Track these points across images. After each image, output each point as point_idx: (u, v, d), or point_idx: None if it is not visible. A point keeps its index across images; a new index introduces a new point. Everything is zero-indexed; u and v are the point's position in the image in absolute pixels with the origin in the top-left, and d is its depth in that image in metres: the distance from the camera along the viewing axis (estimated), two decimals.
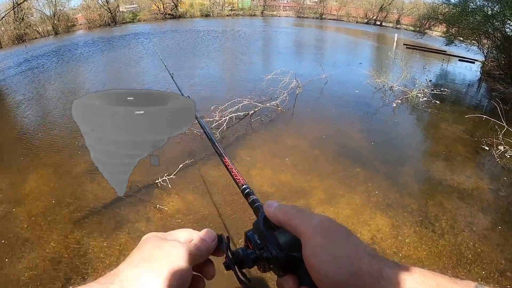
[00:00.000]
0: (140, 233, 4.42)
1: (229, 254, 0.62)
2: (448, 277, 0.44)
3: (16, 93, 11.50)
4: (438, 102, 9.65)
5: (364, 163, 6.22)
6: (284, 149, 6.60)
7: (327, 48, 20.74)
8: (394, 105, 9.39)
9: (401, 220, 4.67)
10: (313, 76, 10.72)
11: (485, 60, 15.75)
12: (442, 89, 10.87)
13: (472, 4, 14.54)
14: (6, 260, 4.11)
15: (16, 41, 25.71)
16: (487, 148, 6.91)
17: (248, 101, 8.17)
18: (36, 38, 27.95)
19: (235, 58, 15.42)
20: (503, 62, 14.04)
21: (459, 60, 17.24)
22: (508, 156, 6.56)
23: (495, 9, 13.42)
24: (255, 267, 0.62)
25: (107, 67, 14.80)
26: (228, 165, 0.87)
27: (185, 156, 6.08)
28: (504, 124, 7.04)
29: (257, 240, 0.60)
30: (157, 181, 5.40)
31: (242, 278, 0.60)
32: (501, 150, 6.67)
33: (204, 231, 0.63)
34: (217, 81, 11.66)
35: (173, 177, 5.45)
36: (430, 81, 11.71)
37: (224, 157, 0.89)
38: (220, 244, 0.64)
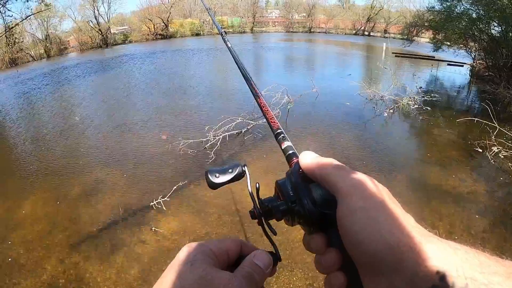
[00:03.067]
0: (136, 255, 4.42)
1: (257, 203, 0.57)
2: (492, 256, 0.39)
3: (9, 118, 11.55)
4: (429, 109, 9.70)
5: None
6: (277, 164, 6.59)
7: (316, 61, 20.93)
8: (386, 114, 9.45)
9: None
10: (303, 90, 10.76)
11: (474, 63, 15.93)
12: (433, 95, 10.94)
13: (456, 10, 14.74)
14: (3, 286, 4.08)
15: (8, 65, 25.86)
16: (480, 150, 6.92)
17: (241, 119, 8.20)
18: (29, 61, 28.20)
19: (227, 76, 15.51)
20: (490, 63, 14.19)
21: (448, 64, 17.44)
22: (502, 157, 6.57)
23: (480, 12, 13.61)
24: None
25: (96, 92, 14.84)
26: (263, 107, 0.79)
27: (179, 177, 6.09)
28: (496, 125, 7.06)
29: (290, 192, 0.54)
30: (151, 203, 5.39)
31: (269, 230, 0.56)
32: (494, 151, 6.68)
33: (254, 252, 0.53)
34: (211, 100, 11.70)
35: (168, 199, 5.44)
36: (421, 88, 11.79)
37: (259, 98, 0.82)
38: (275, 265, 0.55)
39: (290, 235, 4.44)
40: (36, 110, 12.45)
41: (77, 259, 4.45)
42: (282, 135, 0.70)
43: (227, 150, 7.40)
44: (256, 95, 0.83)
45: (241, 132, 8.09)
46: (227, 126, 7.91)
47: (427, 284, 0.37)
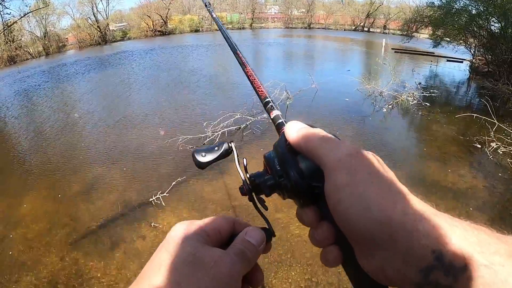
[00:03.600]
0: (136, 251, 4.43)
1: (246, 178, 0.55)
2: (492, 232, 0.36)
3: (9, 115, 11.58)
4: (428, 104, 9.69)
5: None
6: None
7: (316, 57, 20.89)
8: (385, 110, 9.44)
9: None
10: (303, 86, 10.77)
11: (473, 59, 15.91)
12: (432, 90, 10.96)
13: (456, 5, 14.73)
14: (4, 283, 4.09)
15: (7, 63, 25.87)
16: (479, 146, 6.93)
17: (239, 115, 8.20)
18: (27, 59, 28.21)
19: (227, 72, 15.49)
20: (490, 59, 14.18)
21: (447, 60, 17.41)
22: (501, 153, 6.58)
23: (479, 8, 13.59)
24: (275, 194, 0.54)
25: (96, 88, 14.82)
26: (251, 75, 0.76)
27: (178, 173, 6.10)
28: (495, 121, 7.07)
29: (277, 165, 0.52)
30: (151, 199, 5.40)
31: (259, 205, 0.55)
32: (493, 147, 6.69)
33: (246, 229, 0.51)
34: (210, 96, 11.71)
35: (167, 194, 5.46)
36: (420, 83, 11.79)
37: (246, 67, 0.79)
38: (269, 241, 0.53)
39: (289, 230, 4.45)
40: (35, 107, 12.48)
41: (77, 256, 4.46)
42: (271, 104, 0.68)
43: None
44: (242, 64, 0.81)
45: (240, 128, 8.09)
46: (226, 122, 7.92)
47: (421, 263, 0.35)
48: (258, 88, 0.73)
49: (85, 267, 4.26)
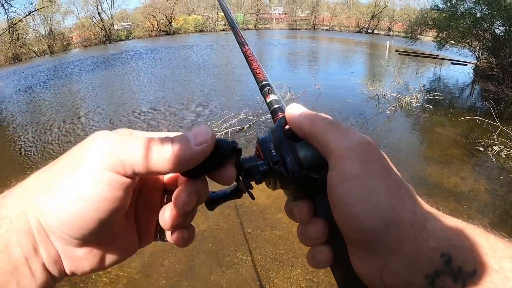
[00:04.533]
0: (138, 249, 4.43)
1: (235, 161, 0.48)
2: (501, 238, 0.34)
3: (13, 114, 11.66)
4: (431, 107, 9.68)
5: None
6: None
7: (320, 58, 20.89)
8: (388, 112, 9.43)
9: None
10: (306, 87, 10.77)
11: (477, 62, 15.87)
12: (436, 93, 10.94)
13: (460, 8, 14.71)
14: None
15: (12, 61, 26.02)
16: (482, 149, 6.93)
17: (243, 115, 8.22)
18: (32, 57, 28.35)
19: (231, 72, 15.51)
20: (494, 62, 14.15)
21: (452, 63, 17.39)
22: (504, 156, 6.57)
23: (483, 11, 13.56)
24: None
25: (100, 87, 14.87)
26: (249, 56, 0.69)
27: None
28: (498, 124, 7.06)
29: (272, 150, 0.47)
30: None
31: (246, 192, 0.49)
32: (496, 150, 6.68)
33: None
34: (214, 96, 11.73)
35: None
36: (423, 86, 11.74)
37: (244, 46, 0.72)
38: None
39: (290, 230, 4.45)
40: (40, 105, 12.53)
41: None
42: (268, 87, 0.61)
43: None
44: (241, 43, 0.74)
45: (243, 128, 8.10)
46: (230, 122, 7.93)
47: (429, 268, 0.33)
48: (256, 69, 0.66)
49: None
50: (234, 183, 0.48)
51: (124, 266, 4.18)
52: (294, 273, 3.92)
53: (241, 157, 0.49)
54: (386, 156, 0.40)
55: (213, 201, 0.51)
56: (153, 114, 9.98)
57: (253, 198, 0.50)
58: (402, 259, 0.34)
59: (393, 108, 9.67)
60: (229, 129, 7.77)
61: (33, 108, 12.26)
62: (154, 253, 4.37)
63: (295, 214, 0.46)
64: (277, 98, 0.58)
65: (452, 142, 7.45)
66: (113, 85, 15.13)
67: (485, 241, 0.32)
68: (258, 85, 0.63)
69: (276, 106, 0.56)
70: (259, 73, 0.64)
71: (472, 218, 4.72)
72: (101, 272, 4.12)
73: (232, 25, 0.79)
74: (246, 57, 0.70)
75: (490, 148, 6.77)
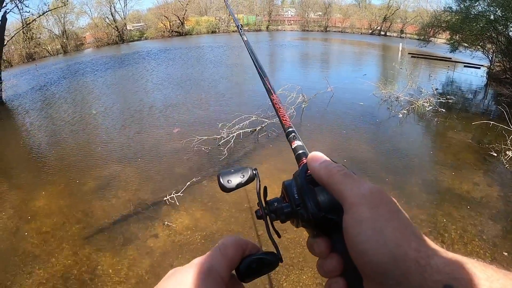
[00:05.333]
0: (148, 249, 4.49)
1: (263, 202, 0.57)
2: (499, 269, 0.38)
3: (26, 111, 11.83)
4: (444, 110, 9.61)
5: (372, 174, 6.22)
6: (290, 163, 6.57)
7: (332, 60, 20.82)
8: (401, 115, 9.38)
9: None
10: (319, 89, 10.77)
11: (491, 65, 15.72)
12: (449, 97, 10.86)
13: (474, 10, 14.58)
14: (17, 275, 4.19)
15: (26, 60, 26.41)
16: (495, 154, 6.86)
17: (255, 117, 8.24)
18: (45, 56, 28.72)
19: (243, 73, 15.56)
20: (508, 66, 14.00)
21: (465, 66, 17.23)
22: None
23: (497, 13, 13.44)
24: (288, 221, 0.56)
25: (113, 86, 15.00)
26: (276, 104, 0.79)
27: (193, 173, 6.17)
28: None
29: (295, 194, 0.54)
30: (165, 198, 5.47)
31: (273, 232, 0.57)
32: (509, 155, 6.61)
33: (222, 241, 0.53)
34: (225, 97, 11.81)
35: (181, 194, 5.52)
36: (436, 89, 11.68)
37: (272, 94, 0.81)
38: (275, 266, 0.55)
39: (302, 234, 4.45)
40: (53, 103, 12.70)
41: (90, 251, 4.55)
42: (293, 133, 0.69)
43: (241, 148, 7.45)
44: (269, 91, 0.82)
45: (255, 130, 8.13)
46: (241, 124, 7.95)
47: None
48: (283, 117, 0.75)
49: (97, 262, 4.34)
50: (248, 168, 0.59)
51: (133, 266, 4.23)
52: (304, 277, 3.94)
53: (270, 198, 0.57)
54: (395, 201, 0.45)
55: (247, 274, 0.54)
56: (165, 115, 10.05)
57: (279, 236, 0.58)
58: None
59: (405, 111, 9.63)
60: (240, 131, 7.80)
61: (47, 106, 12.43)
62: (164, 253, 4.41)
63: (315, 249, 0.52)
64: (301, 143, 0.66)
65: (464, 147, 7.39)
66: (126, 84, 15.28)
67: (483, 273, 0.36)
68: (285, 131, 0.71)
69: (300, 151, 0.65)
70: (285, 120, 0.73)
71: (484, 224, 4.71)
72: (110, 271, 4.18)
73: (261, 74, 0.88)
74: (274, 104, 0.79)
75: (503, 154, 6.70)
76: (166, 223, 4.96)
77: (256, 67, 0.92)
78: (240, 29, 1.28)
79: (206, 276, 0.46)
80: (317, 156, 0.54)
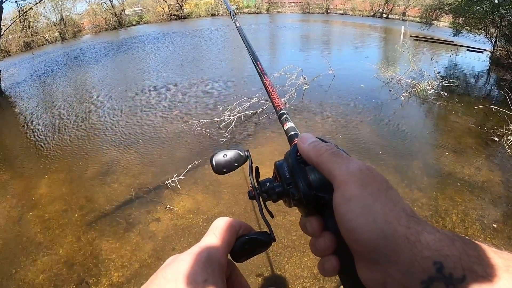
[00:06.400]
0: (150, 233, 4.52)
1: (255, 183, 0.59)
2: (490, 247, 0.39)
3: (25, 100, 11.77)
4: (446, 94, 9.54)
5: (373, 157, 6.21)
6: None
7: (333, 42, 20.64)
8: (402, 98, 9.33)
9: None
10: (320, 71, 10.69)
11: (494, 50, 15.59)
12: (451, 80, 10.79)
13: None
14: (20, 263, 4.20)
15: (24, 49, 26.27)
16: (497, 139, 6.84)
17: (256, 99, 8.19)
18: (43, 44, 28.50)
19: (243, 56, 15.45)
20: (511, 50, 13.88)
21: (467, 50, 17.06)
22: None
23: None
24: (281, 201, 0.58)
25: (113, 71, 14.92)
26: (268, 87, 0.82)
27: (194, 157, 6.16)
28: None
29: (286, 173, 0.55)
30: (166, 182, 5.48)
31: (265, 212, 0.58)
32: (511, 140, 6.59)
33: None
34: (226, 79, 11.74)
35: (182, 177, 5.53)
36: (439, 73, 11.58)
37: (264, 77, 0.85)
38: (268, 246, 0.56)
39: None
40: (52, 90, 12.67)
41: (93, 237, 4.58)
42: (285, 115, 0.72)
43: (242, 130, 7.43)
44: (261, 75, 0.86)
45: (256, 112, 8.09)
46: (242, 106, 7.93)
47: (424, 275, 0.37)
48: (274, 99, 0.78)
49: (100, 248, 4.37)
50: (240, 150, 0.62)
51: (136, 250, 4.25)
52: (306, 259, 3.95)
53: (262, 179, 0.60)
54: (385, 179, 0.46)
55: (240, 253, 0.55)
56: (165, 98, 10.03)
57: (272, 216, 0.60)
58: (400, 268, 0.39)
59: (407, 94, 9.57)
60: (241, 113, 7.78)
61: (46, 93, 12.40)
62: (166, 237, 4.43)
63: (307, 228, 0.53)
64: (292, 125, 0.70)
65: (466, 131, 7.36)
66: (125, 68, 15.23)
67: (474, 251, 0.37)
68: (277, 113, 0.75)
69: (292, 133, 0.68)
70: (278, 103, 0.77)
71: (485, 209, 4.72)
72: (113, 256, 4.20)
73: (253, 58, 0.93)
74: (266, 87, 0.83)
75: (505, 139, 6.67)
76: (168, 206, 4.98)
77: (248, 51, 0.95)
78: (233, 15, 1.33)
79: (207, 264, 0.46)
80: (306, 136, 0.56)
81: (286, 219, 4.51)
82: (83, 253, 4.32)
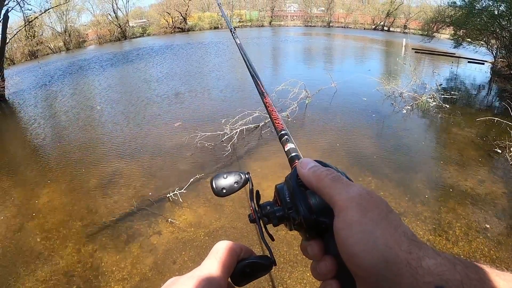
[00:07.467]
0: (151, 246, 4.50)
1: (256, 207, 0.59)
2: (492, 268, 0.39)
3: (29, 108, 11.87)
4: (448, 106, 9.55)
5: (376, 171, 6.19)
6: None
7: (335, 56, 20.75)
8: (404, 111, 9.33)
9: (413, 228, 4.61)
10: (322, 85, 10.75)
11: (495, 61, 15.63)
12: (453, 92, 10.81)
13: (478, 5, 14.50)
14: (20, 273, 4.20)
15: (28, 57, 26.48)
16: (499, 151, 6.81)
17: (258, 112, 8.22)
18: (48, 54, 28.88)
19: (246, 70, 15.50)
20: None
21: (469, 62, 17.13)
22: None
23: (501, 8, 13.35)
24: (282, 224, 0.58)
25: (117, 83, 15.01)
26: (269, 106, 0.81)
27: (196, 170, 6.17)
28: None
29: (287, 197, 0.55)
30: (168, 195, 5.47)
31: (266, 235, 0.58)
32: None
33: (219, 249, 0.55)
34: (228, 93, 11.76)
35: (184, 191, 5.52)
36: (440, 85, 11.59)
37: (265, 96, 0.84)
38: (269, 270, 0.56)
39: None
40: (56, 100, 12.75)
41: (93, 248, 4.56)
42: (286, 136, 0.71)
43: (244, 144, 7.43)
44: (262, 94, 0.85)
45: (258, 126, 8.11)
46: (245, 120, 7.94)
47: None
48: (275, 119, 0.77)
49: (100, 260, 4.35)
50: (241, 173, 0.62)
51: (137, 263, 4.23)
52: (308, 274, 3.92)
53: (263, 202, 0.60)
54: (386, 202, 0.46)
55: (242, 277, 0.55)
56: (168, 111, 10.05)
57: (273, 239, 0.60)
58: None
59: (409, 107, 9.58)
60: (244, 127, 7.79)
61: (50, 103, 12.49)
62: (167, 250, 4.41)
63: (308, 252, 0.52)
64: (294, 146, 0.69)
65: (469, 143, 7.35)
66: (129, 80, 15.31)
67: (475, 274, 0.38)
68: (278, 134, 0.74)
69: (293, 154, 0.68)
70: (278, 123, 0.75)
71: (488, 222, 4.68)
72: (113, 268, 4.19)
73: (254, 78, 0.94)
74: (266, 107, 0.81)
75: (508, 150, 6.65)
76: (169, 220, 4.97)
77: (249, 70, 0.96)
78: (233, 32, 1.31)
79: None
80: (305, 161, 0.56)
81: (288, 233, 4.48)
82: (83, 264, 4.30)
